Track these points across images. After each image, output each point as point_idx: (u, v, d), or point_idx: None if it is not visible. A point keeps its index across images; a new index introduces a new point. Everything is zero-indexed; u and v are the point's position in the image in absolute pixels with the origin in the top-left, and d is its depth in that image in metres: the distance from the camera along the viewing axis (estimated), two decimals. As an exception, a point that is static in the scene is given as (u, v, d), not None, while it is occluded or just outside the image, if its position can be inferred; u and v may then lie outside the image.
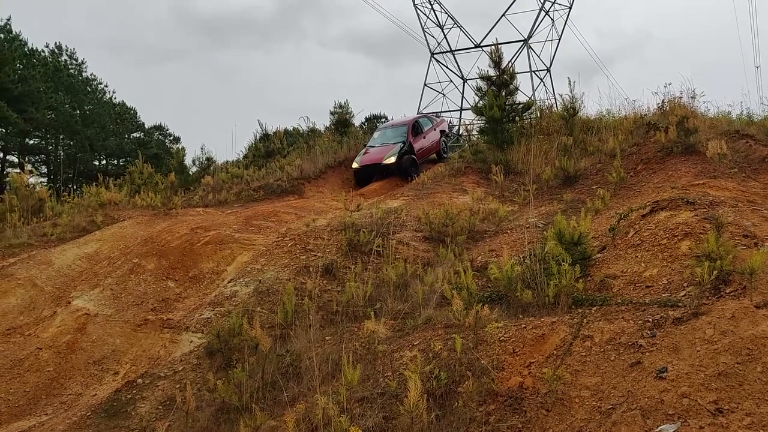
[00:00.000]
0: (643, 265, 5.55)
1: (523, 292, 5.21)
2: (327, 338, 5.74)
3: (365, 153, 16.24)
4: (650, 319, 4.24)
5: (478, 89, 15.02)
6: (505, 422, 3.65)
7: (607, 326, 4.29)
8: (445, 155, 17.44)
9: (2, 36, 37.22)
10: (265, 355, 5.19)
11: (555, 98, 29.39)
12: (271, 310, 6.66)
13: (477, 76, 15.04)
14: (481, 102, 14.68)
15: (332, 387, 4.59)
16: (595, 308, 4.83)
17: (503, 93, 14.43)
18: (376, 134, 17.64)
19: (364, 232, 8.14)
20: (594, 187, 10.15)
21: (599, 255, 6.19)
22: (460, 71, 36.96)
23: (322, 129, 22.16)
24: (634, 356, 3.88)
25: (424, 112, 18.73)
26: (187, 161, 21.08)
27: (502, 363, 4.19)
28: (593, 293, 5.32)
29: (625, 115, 13.82)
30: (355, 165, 15.93)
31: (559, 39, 34.94)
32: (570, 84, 14.05)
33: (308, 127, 21.86)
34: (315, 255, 8.00)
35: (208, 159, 20.35)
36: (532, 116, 15.04)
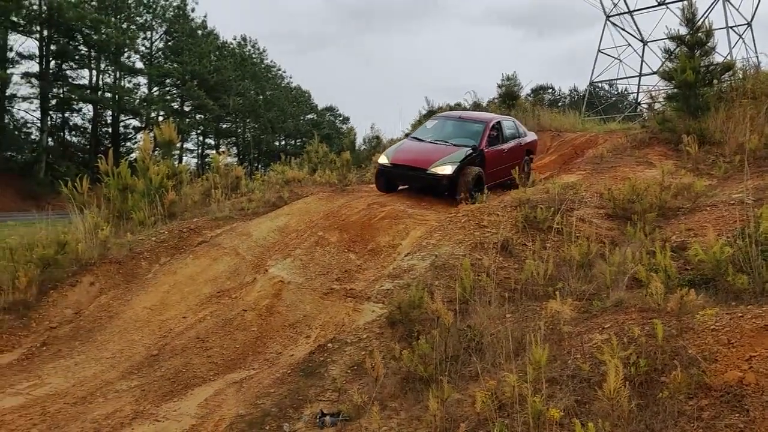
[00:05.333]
0: None
1: (736, 276, 4.63)
2: (507, 316, 5.65)
3: (403, 147, 10.94)
4: None
5: (667, 51, 13.57)
6: (722, 420, 3.29)
7: None
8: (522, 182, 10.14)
9: (200, 32, 42.03)
10: (447, 328, 5.27)
11: (758, 56, 25.62)
12: (447, 285, 6.73)
13: (662, 37, 13.60)
14: (669, 65, 13.25)
15: (517, 365, 4.51)
16: (831, 299, 4.13)
17: (697, 53, 12.87)
18: (429, 123, 11.83)
19: (541, 208, 7.85)
20: (817, 158, 8.67)
21: (832, 237, 5.27)
22: (640, 33, 33.83)
23: (485, 103, 21.79)
24: None
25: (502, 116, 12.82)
26: (358, 140, 22.20)
27: (715, 354, 3.77)
28: (827, 281, 4.55)
29: None
30: (383, 160, 10.55)
31: (765, -14, 30.33)
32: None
33: (474, 101, 21.62)
34: (489, 231, 7.91)
35: (377, 137, 21.18)
36: (732, 78, 13.23)
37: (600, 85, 39.92)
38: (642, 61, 33.66)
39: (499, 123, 11.28)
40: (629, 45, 33.97)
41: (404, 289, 6.65)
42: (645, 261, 5.69)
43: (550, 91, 55.59)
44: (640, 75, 33.49)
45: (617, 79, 36.15)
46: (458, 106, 22.89)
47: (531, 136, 12.60)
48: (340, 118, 56.74)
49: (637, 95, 33.70)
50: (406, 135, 11.29)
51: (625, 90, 46.28)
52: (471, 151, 10.17)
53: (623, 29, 33.80)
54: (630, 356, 3.97)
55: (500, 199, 9.22)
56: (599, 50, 33.95)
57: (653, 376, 3.82)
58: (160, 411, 5.14)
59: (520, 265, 6.82)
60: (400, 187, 10.70)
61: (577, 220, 7.72)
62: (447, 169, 9.72)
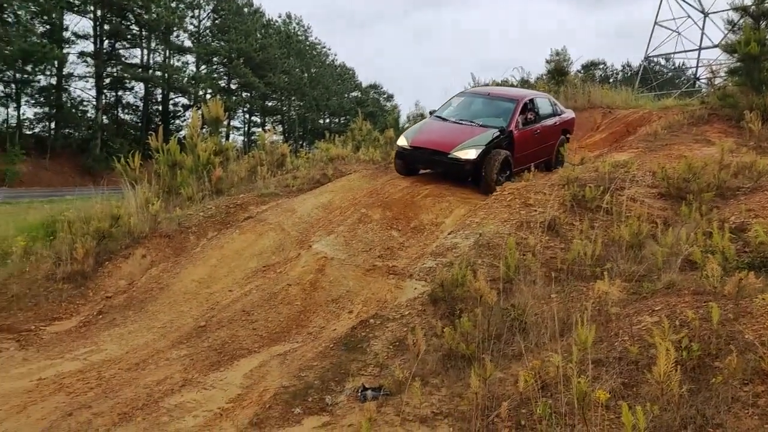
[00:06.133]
0: None
1: (800, 259, 4.38)
2: (552, 296, 5.54)
3: (425, 127, 10.15)
4: None
5: (730, 22, 12.87)
6: (780, 408, 3.15)
7: None
8: (558, 166, 10.22)
9: (246, 10, 42.36)
10: (490, 307, 5.21)
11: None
12: (491, 264, 6.64)
13: (725, 8, 12.88)
14: (732, 37, 12.56)
15: (561, 346, 4.43)
16: None
17: (762, 25, 12.15)
18: (455, 100, 10.73)
19: (590, 187, 7.62)
20: None
21: None
22: (701, 4, 32.13)
23: (533, 79, 21.25)
24: None
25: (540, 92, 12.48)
26: (402, 118, 22.06)
27: (774, 340, 3.59)
28: None
29: None
30: (401, 142, 9.80)
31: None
32: None
33: (522, 77, 21.10)
34: (535, 210, 7.74)
35: (421, 115, 20.99)
36: (801, 50, 12.44)
37: (655, 59, 38.32)
38: (702, 33, 32.09)
39: (532, 101, 10.31)
40: (689, 17, 32.39)
41: (447, 267, 6.60)
42: (700, 242, 5.47)
43: (601, 66, 53.68)
44: (700, 48, 31.97)
45: (674, 53, 34.63)
46: (505, 83, 22.38)
47: (568, 114, 11.61)
48: (384, 96, 56.49)
49: (696, 70, 32.20)
50: (431, 113, 10.69)
51: (683, 65, 44.26)
52: (498, 133, 9.37)
53: (683, 0, 32.20)
54: (682, 340, 3.83)
55: (547, 177, 9.00)
56: (656, 23, 32.53)
57: (706, 360, 3.68)
58: (207, 380, 5.30)
59: (566, 245, 6.66)
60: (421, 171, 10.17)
61: (627, 199, 7.47)
62: (470, 154, 9.01)
